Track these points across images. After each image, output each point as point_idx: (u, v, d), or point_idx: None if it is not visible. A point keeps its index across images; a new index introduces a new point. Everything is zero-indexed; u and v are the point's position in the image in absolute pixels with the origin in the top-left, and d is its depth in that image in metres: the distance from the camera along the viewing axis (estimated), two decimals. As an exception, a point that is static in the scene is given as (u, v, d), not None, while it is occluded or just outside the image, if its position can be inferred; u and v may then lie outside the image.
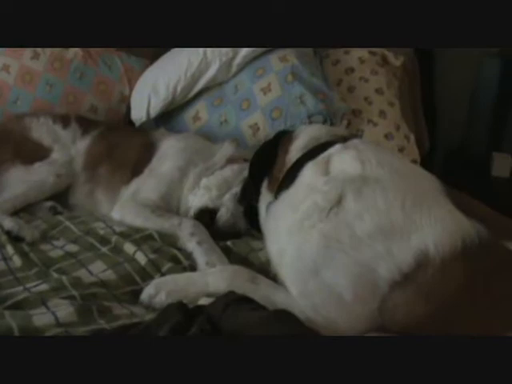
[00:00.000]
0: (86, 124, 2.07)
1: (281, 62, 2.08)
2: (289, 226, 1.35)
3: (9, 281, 1.43)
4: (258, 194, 1.51)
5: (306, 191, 1.35)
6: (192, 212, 1.77)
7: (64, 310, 1.27)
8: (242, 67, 2.13)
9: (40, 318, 1.23)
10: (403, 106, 2.19)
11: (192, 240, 1.59)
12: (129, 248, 1.56)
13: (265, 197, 1.49)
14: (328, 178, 1.33)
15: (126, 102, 2.29)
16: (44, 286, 1.38)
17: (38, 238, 1.63)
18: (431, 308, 1.17)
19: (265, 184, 1.49)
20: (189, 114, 2.19)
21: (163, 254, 1.56)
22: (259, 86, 2.07)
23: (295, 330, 0.82)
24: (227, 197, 1.74)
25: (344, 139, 1.43)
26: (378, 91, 2.17)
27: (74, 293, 1.36)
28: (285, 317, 0.84)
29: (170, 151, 1.93)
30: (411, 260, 1.18)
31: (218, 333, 0.85)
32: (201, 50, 2.12)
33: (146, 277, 1.48)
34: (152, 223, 1.71)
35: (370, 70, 2.23)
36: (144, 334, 0.92)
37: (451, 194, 1.28)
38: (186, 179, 1.86)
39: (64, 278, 1.42)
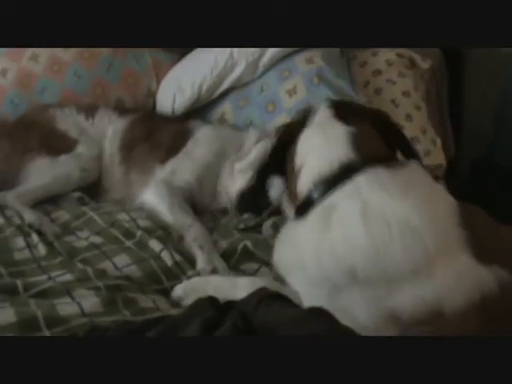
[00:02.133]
0: (121, 109, 2.07)
1: (306, 63, 2.05)
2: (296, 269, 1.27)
3: (33, 269, 1.41)
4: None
5: (312, 251, 1.22)
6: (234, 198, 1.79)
7: (89, 300, 1.25)
8: (268, 68, 2.09)
9: (65, 308, 1.20)
10: (430, 109, 2.15)
11: (195, 243, 1.57)
12: (154, 245, 1.53)
13: (288, 207, 1.42)
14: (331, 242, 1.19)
15: (152, 96, 2.25)
16: (69, 276, 1.35)
17: (58, 234, 1.60)
18: None
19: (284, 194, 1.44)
20: (214, 114, 2.17)
21: (187, 256, 1.53)
22: (285, 88, 2.04)
23: (329, 329, 0.80)
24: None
25: (353, 170, 1.24)
26: (405, 94, 2.13)
27: (99, 284, 1.33)
28: (319, 315, 0.82)
29: (205, 138, 1.94)
30: (425, 316, 1.10)
31: (250, 329, 0.83)
32: (227, 49, 2.09)
33: (172, 277, 1.45)
34: (173, 214, 1.69)
35: (397, 73, 2.19)
36: (170, 329, 0.90)
37: (470, 232, 1.14)
38: (221, 168, 1.87)
39: (89, 268, 1.39)
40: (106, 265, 1.45)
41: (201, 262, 1.51)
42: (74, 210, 1.73)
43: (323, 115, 1.37)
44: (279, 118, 2.03)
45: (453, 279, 1.11)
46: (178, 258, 1.50)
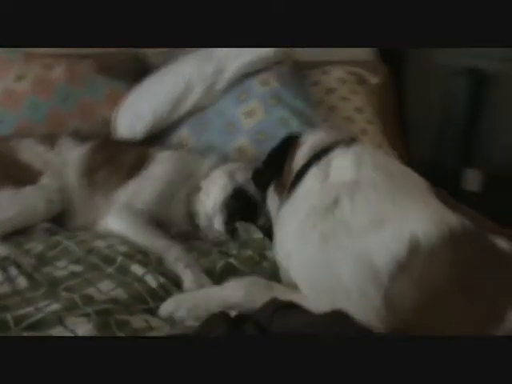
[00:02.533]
0: (81, 137, 2.05)
1: (262, 85, 2.12)
2: (292, 230, 1.43)
3: (18, 302, 1.38)
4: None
5: (307, 196, 1.45)
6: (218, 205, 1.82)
7: (82, 327, 1.25)
8: (225, 92, 2.14)
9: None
10: (385, 123, 2.27)
11: (179, 264, 1.59)
12: (136, 269, 1.54)
13: (273, 200, 1.62)
14: (326, 183, 1.44)
15: (109, 125, 2.24)
16: (56, 306, 1.34)
17: (35, 265, 1.57)
18: (424, 296, 1.23)
19: (271, 189, 1.62)
20: (173, 139, 2.18)
21: (171, 278, 1.55)
22: (243, 110, 2.10)
23: (350, 331, 0.85)
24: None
25: (346, 143, 1.52)
26: (358, 110, 2.24)
27: (89, 310, 1.33)
28: (339, 317, 0.86)
29: (165, 158, 1.96)
30: (404, 249, 1.25)
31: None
32: (185, 74, 2.14)
33: (157, 298, 1.47)
34: (143, 238, 1.71)
35: (349, 90, 2.30)
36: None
37: (437, 192, 1.39)
38: (181, 186, 1.89)
39: (75, 296, 1.39)
40: (91, 291, 1.45)
41: (188, 281, 1.53)
42: (47, 241, 1.70)
43: None
44: (239, 140, 2.08)
45: (426, 215, 1.29)
46: (161, 279, 1.52)
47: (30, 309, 1.34)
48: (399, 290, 1.25)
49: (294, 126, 2.02)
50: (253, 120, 2.08)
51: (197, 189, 1.90)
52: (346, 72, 2.35)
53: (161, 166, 1.93)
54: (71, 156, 1.97)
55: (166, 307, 1.43)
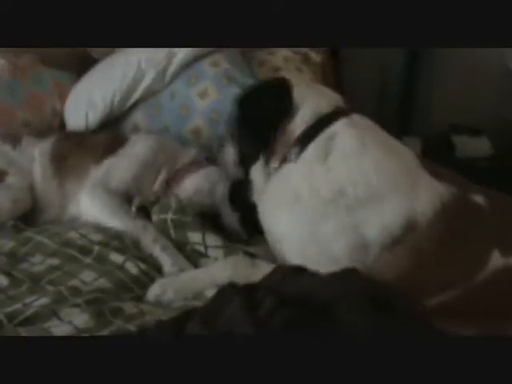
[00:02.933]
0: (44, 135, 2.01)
1: (213, 67, 2.14)
2: (286, 205, 1.45)
3: (3, 300, 1.36)
4: (250, 163, 1.56)
5: (307, 176, 1.44)
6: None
7: (78, 317, 1.27)
8: (175, 75, 2.15)
9: (58, 330, 1.22)
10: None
11: (156, 245, 1.60)
12: (115, 257, 1.54)
13: (259, 170, 1.55)
14: (327, 167, 1.43)
15: (58, 116, 2.22)
16: (45, 300, 1.34)
17: (8, 262, 1.54)
18: (416, 265, 1.33)
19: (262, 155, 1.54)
20: (127, 126, 2.18)
21: (151, 263, 1.56)
22: (196, 91, 2.12)
23: (363, 285, 0.92)
24: None
25: (345, 113, 1.50)
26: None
27: (79, 301, 1.34)
28: (349, 275, 0.92)
29: (143, 138, 1.96)
30: (401, 224, 1.33)
31: (284, 303, 0.91)
32: (135, 60, 2.12)
33: (141, 285, 1.48)
34: (118, 219, 1.69)
35: (294, 68, 2.34)
36: (208, 318, 0.95)
37: (424, 163, 1.46)
38: (159, 170, 1.86)
39: (61, 288, 1.39)
40: (75, 283, 1.44)
41: (167, 266, 1.55)
42: (16, 238, 1.66)
43: None
44: (193, 121, 2.11)
45: (421, 192, 1.37)
46: (142, 266, 1.53)
47: (17, 305, 1.32)
48: (390, 260, 1.34)
49: (248, 104, 2.06)
50: (206, 100, 2.10)
51: (179, 176, 1.86)
52: (291, 51, 2.39)
53: (139, 146, 1.90)
54: (36, 151, 1.92)
55: (153, 291, 1.45)
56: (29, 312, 1.28)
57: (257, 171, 1.56)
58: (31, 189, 1.86)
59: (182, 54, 2.12)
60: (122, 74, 2.12)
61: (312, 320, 0.93)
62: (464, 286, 1.32)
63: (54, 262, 1.54)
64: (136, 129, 2.17)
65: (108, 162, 1.86)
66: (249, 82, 2.11)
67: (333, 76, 2.56)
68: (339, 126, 1.48)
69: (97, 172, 1.84)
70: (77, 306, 1.32)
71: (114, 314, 1.31)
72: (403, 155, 1.48)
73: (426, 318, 0.98)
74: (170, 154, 1.93)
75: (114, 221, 1.70)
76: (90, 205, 1.75)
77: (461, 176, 1.48)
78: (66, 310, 1.29)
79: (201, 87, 2.12)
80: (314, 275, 1.02)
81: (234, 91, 2.06)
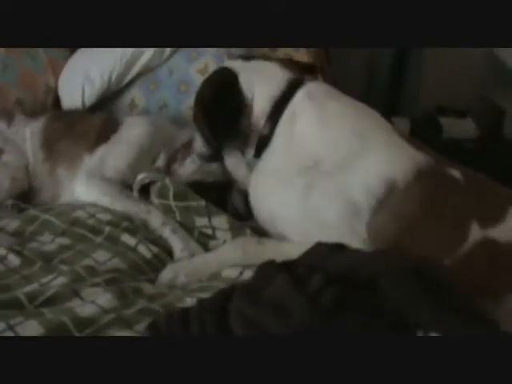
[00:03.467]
0: (35, 114, 1.94)
1: (213, 44, 2.12)
2: (273, 186, 1.48)
3: (17, 280, 1.31)
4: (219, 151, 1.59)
5: (285, 156, 1.48)
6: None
7: (101, 297, 1.22)
8: (174, 51, 2.12)
9: (83, 310, 1.17)
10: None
11: (165, 228, 1.57)
12: (127, 239, 1.51)
13: (234, 158, 1.60)
14: (298, 142, 1.47)
15: (51, 93, 2.16)
16: (62, 279, 1.29)
17: (15, 241, 1.49)
18: (402, 226, 1.37)
19: (228, 152, 1.60)
20: (124, 101, 2.15)
21: (162, 246, 1.53)
22: (196, 68, 2.10)
23: (403, 263, 0.92)
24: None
25: (298, 84, 1.53)
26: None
27: (97, 280, 1.30)
28: (390, 251, 0.94)
29: (137, 122, 1.87)
30: (383, 187, 1.38)
31: (330, 280, 0.91)
32: (135, 36, 2.08)
33: (154, 268, 1.46)
34: (119, 204, 1.65)
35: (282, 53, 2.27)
36: (250, 294, 0.94)
37: (398, 132, 1.52)
38: (157, 155, 1.80)
39: (78, 268, 1.34)
40: (88, 262, 1.40)
41: (178, 251, 1.52)
42: (21, 216, 1.61)
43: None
44: (193, 98, 2.02)
45: (398, 155, 1.43)
46: (154, 249, 1.50)
47: (34, 285, 1.28)
48: (380, 222, 1.38)
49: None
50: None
51: (178, 157, 1.80)
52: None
53: (133, 130, 1.83)
54: (27, 131, 1.86)
55: (165, 275, 1.43)
56: (49, 292, 1.23)
57: (234, 163, 1.62)
58: (27, 168, 1.81)
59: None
60: (121, 49, 2.07)
61: (359, 297, 0.94)
62: (449, 259, 1.35)
63: (65, 241, 1.50)
64: (133, 104, 2.14)
65: (102, 150, 1.79)
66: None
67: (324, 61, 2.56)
68: (297, 102, 1.51)
69: (90, 160, 1.78)
70: (96, 285, 1.28)
71: (136, 294, 1.28)
72: (371, 117, 1.52)
73: (468, 298, 0.98)
74: (167, 137, 1.87)
75: (116, 205, 1.64)
76: (87, 194, 1.69)
77: (443, 155, 1.51)
78: (87, 290, 1.25)
79: (201, 63, 2.10)
80: (355, 252, 1.02)
81: None
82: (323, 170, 1.42)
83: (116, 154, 1.77)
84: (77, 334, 1.09)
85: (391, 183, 1.38)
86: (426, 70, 2.96)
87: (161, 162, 1.80)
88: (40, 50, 2.17)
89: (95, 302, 1.21)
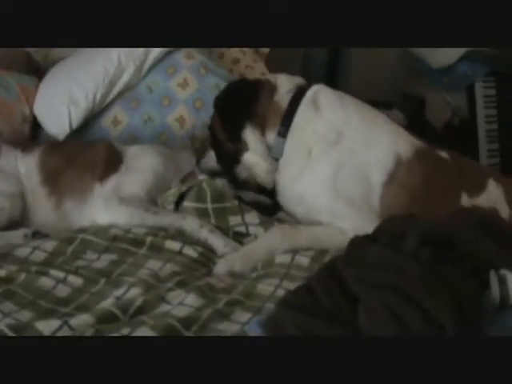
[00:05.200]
0: (22, 145, 1.90)
1: (188, 59, 2.19)
2: (304, 166, 1.66)
3: (89, 298, 1.32)
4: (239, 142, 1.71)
5: (310, 131, 1.68)
6: None
7: (186, 298, 1.28)
8: (151, 68, 2.16)
9: (179, 311, 1.23)
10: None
11: (203, 230, 1.63)
12: (172, 245, 1.56)
13: (257, 139, 1.71)
14: (321, 117, 1.68)
15: (27, 121, 2.11)
16: (136, 290, 1.32)
17: (60, 262, 1.48)
18: (410, 198, 1.62)
19: (249, 130, 1.70)
20: (107, 119, 2.16)
21: (204, 246, 1.60)
22: (176, 83, 2.15)
23: (479, 221, 1.10)
24: None
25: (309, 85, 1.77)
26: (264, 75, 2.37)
27: (169, 285, 1.35)
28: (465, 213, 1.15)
29: (143, 151, 1.89)
30: (392, 162, 1.64)
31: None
32: (114, 55, 2.09)
33: (203, 265, 1.53)
34: (150, 220, 1.67)
35: (252, 59, 2.50)
36: (348, 269, 1.09)
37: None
38: (170, 182, 1.82)
39: (144, 277, 1.38)
40: (145, 272, 1.44)
41: (221, 247, 1.60)
42: (56, 237, 1.59)
43: None
44: (177, 110, 2.15)
45: (400, 137, 1.70)
46: (199, 249, 1.57)
47: (111, 300, 1.30)
48: (391, 194, 1.63)
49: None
50: (188, 90, 2.15)
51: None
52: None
53: (146, 159, 1.85)
54: (20, 166, 1.82)
55: (222, 267, 1.51)
56: (138, 302, 1.26)
57: (254, 140, 1.71)
58: (19, 197, 1.78)
59: (157, 48, 2.12)
60: (103, 69, 2.08)
61: (446, 252, 1.10)
62: None
63: (112, 257, 1.52)
64: (116, 121, 2.16)
65: (115, 179, 1.79)
66: (221, 71, 2.23)
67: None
68: (314, 90, 1.74)
69: (102, 189, 1.78)
70: (171, 289, 1.33)
71: (210, 289, 1.35)
72: (372, 109, 1.78)
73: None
74: (175, 162, 1.90)
75: (147, 221, 1.66)
76: (110, 217, 1.68)
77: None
78: (171, 294, 1.30)
79: (180, 78, 2.16)
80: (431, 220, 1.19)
81: (212, 79, 2.16)
82: (347, 146, 1.64)
83: (132, 182, 1.78)
84: (186, 333, 1.15)
85: (398, 157, 1.64)
86: (356, 68, 3.21)
87: (174, 185, 1.82)
88: (11, 79, 2.12)
89: (183, 303, 1.27)
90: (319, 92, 1.72)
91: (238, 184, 1.77)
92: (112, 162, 1.83)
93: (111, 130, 2.15)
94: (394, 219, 1.24)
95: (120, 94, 2.16)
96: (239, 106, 1.71)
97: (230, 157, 1.75)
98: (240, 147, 1.72)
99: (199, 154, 1.89)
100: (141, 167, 1.82)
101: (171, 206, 1.72)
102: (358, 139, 1.66)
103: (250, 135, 1.70)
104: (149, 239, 1.57)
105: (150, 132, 2.13)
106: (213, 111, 1.80)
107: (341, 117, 1.68)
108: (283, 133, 1.69)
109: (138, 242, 1.57)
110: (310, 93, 1.71)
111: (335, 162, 1.64)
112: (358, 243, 1.17)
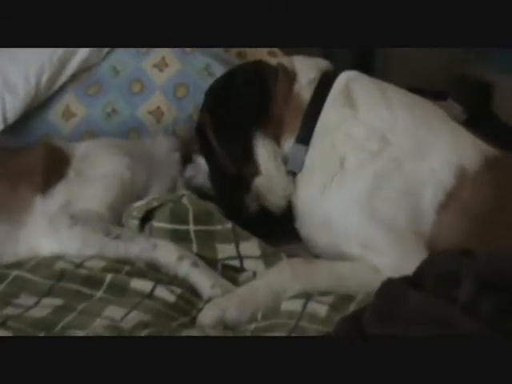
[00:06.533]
0: None
1: (166, 32, 2.19)
2: (331, 179, 1.63)
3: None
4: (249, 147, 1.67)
5: (343, 136, 1.64)
6: None
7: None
8: (117, 44, 2.15)
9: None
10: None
11: (183, 263, 1.61)
12: (140, 285, 1.54)
13: (267, 147, 1.68)
14: (360, 117, 1.64)
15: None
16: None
17: None
18: (474, 225, 1.57)
19: (260, 143, 1.67)
20: (55, 111, 2.16)
21: (185, 287, 1.58)
22: (151, 63, 2.16)
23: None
24: None
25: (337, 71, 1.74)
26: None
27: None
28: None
29: (97, 149, 1.89)
30: (452, 176, 1.59)
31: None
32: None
33: (184, 313, 1.51)
34: (111, 248, 1.66)
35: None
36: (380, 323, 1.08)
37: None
38: (148, 186, 1.84)
39: (101, 327, 1.38)
40: (102, 323, 1.42)
41: (207, 288, 1.57)
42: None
43: None
44: (152, 99, 2.14)
45: (465, 143, 1.66)
46: (177, 290, 1.55)
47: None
48: (448, 220, 1.58)
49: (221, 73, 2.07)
50: (167, 73, 2.14)
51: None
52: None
53: (101, 161, 1.84)
54: None
55: (210, 314, 1.49)
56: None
57: (265, 156, 1.68)
58: None
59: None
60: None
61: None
62: None
63: (56, 301, 1.50)
64: (69, 114, 2.16)
65: (62, 190, 1.78)
66: (217, 50, 2.21)
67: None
68: (346, 79, 1.70)
69: (47, 204, 1.76)
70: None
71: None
72: (427, 104, 1.75)
73: None
74: (151, 160, 1.91)
75: (110, 254, 1.65)
76: (59, 246, 1.68)
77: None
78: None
79: (156, 57, 2.16)
80: (491, 255, 1.16)
81: (201, 60, 2.15)
82: (392, 156, 1.60)
83: (88, 193, 1.77)
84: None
85: (460, 170, 1.59)
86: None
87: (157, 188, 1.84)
88: None
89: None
90: (352, 81, 1.69)
91: (239, 215, 1.74)
92: (55, 166, 1.81)
93: (61, 125, 2.16)
94: (444, 255, 1.21)
95: (74, 77, 2.16)
96: (244, 107, 1.66)
97: (232, 182, 1.72)
98: (248, 170, 1.70)
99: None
100: (98, 171, 1.82)
101: (135, 223, 1.70)
102: (406, 145, 1.62)
103: (261, 151, 1.68)
104: (108, 277, 1.56)
105: (114, 128, 2.13)
106: (202, 103, 1.78)
107: (384, 116, 1.64)
108: (304, 139, 1.66)
109: (93, 281, 1.55)
110: (339, 82, 1.68)
111: (375, 176, 1.59)
112: (394, 287, 1.16)
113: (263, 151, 1.67)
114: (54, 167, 1.81)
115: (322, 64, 1.74)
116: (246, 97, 1.66)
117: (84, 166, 1.83)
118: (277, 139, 1.68)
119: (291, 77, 1.68)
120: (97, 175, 1.81)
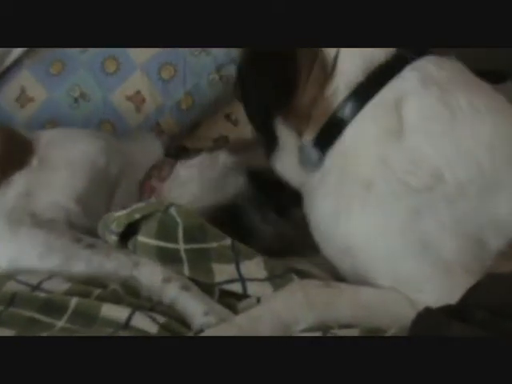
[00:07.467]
0: None
1: None
2: (358, 198, 1.58)
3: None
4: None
5: (375, 158, 1.58)
6: None
7: None
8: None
9: None
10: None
11: (170, 286, 1.60)
12: (113, 312, 1.51)
13: (288, 137, 1.69)
14: (407, 141, 1.56)
15: None
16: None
17: None
18: None
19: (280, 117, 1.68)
20: (8, 95, 2.19)
21: (168, 315, 1.56)
22: (128, 35, 2.16)
23: None
24: None
25: (406, 59, 1.63)
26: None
27: None
28: None
29: (66, 136, 1.93)
30: None
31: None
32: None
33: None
34: (83, 264, 1.65)
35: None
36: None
37: None
38: (119, 179, 1.88)
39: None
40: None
41: (199, 314, 1.55)
42: None
43: None
44: (131, 81, 2.16)
45: None
46: (160, 319, 1.52)
47: None
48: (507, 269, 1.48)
49: (217, 50, 2.16)
50: (149, 48, 2.15)
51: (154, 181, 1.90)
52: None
53: (72, 146, 1.87)
54: None
55: None
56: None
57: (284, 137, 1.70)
58: None
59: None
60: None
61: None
62: None
63: (6, 333, 1.44)
64: (25, 99, 2.20)
65: (22, 180, 1.81)
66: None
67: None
68: (407, 80, 1.61)
69: (3, 196, 1.79)
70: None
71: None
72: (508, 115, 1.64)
73: None
74: (121, 154, 1.94)
75: (78, 267, 1.65)
76: (12, 250, 1.68)
77: None
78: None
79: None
80: None
81: None
82: (443, 194, 1.52)
83: (53, 185, 1.80)
84: None
85: None
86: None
87: (122, 191, 1.88)
88: None
89: None
90: (412, 94, 1.60)
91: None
92: (14, 153, 1.84)
93: (15, 112, 2.20)
94: (497, 279, 1.18)
95: (30, 52, 2.19)
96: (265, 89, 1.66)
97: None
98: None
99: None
100: (66, 159, 1.84)
101: (113, 238, 1.68)
102: (467, 187, 1.53)
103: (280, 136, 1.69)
104: (73, 301, 1.52)
105: (82, 117, 2.16)
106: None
107: (446, 147, 1.55)
108: (321, 145, 1.64)
109: (53, 307, 1.52)
110: (391, 90, 1.61)
111: (413, 211, 1.54)
112: (433, 320, 1.13)
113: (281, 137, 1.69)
114: (11, 154, 1.84)
115: (377, 55, 1.64)
116: (268, 80, 1.66)
117: (50, 152, 1.86)
118: (298, 131, 1.67)
119: (326, 73, 1.65)
120: (63, 162, 1.84)
